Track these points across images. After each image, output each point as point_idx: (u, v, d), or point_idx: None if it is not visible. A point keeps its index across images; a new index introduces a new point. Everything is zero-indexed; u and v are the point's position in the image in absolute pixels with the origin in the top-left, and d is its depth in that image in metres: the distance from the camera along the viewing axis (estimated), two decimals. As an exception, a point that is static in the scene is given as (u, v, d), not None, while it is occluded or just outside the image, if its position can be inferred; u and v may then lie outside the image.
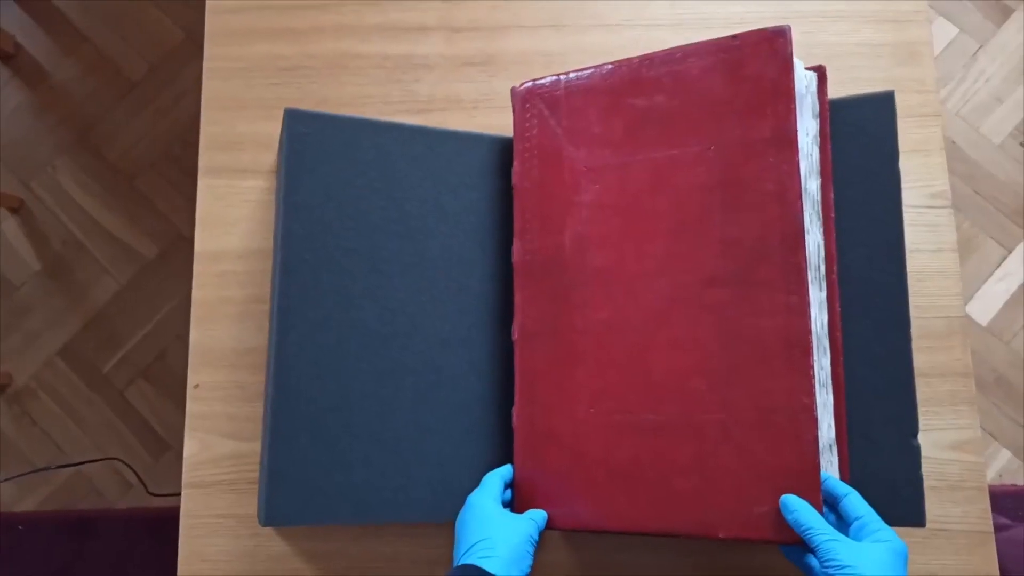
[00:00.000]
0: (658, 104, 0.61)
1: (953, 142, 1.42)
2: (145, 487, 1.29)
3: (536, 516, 0.59)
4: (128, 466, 1.29)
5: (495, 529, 0.55)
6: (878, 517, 0.53)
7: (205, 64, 0.73)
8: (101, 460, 1.33)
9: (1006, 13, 1.47)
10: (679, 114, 0.60)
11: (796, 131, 0.56)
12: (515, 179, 0.65)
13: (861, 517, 0.53)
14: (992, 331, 1.38)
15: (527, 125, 0.65)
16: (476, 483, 0.60)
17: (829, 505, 0.55)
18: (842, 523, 0.54)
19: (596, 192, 0.62)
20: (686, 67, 0.60)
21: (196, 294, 0.69)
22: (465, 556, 0.54)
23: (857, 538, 0.52)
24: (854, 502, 0.54)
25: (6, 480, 1.32)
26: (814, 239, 0.58)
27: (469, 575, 0.52)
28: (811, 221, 0.58)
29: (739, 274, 0.56)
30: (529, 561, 0.55)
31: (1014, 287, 1.40)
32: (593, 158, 0.62)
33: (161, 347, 1.41)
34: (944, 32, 1.46)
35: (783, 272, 0.55)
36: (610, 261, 0.60)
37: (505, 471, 0.61)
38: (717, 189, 0.58)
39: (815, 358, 0.56)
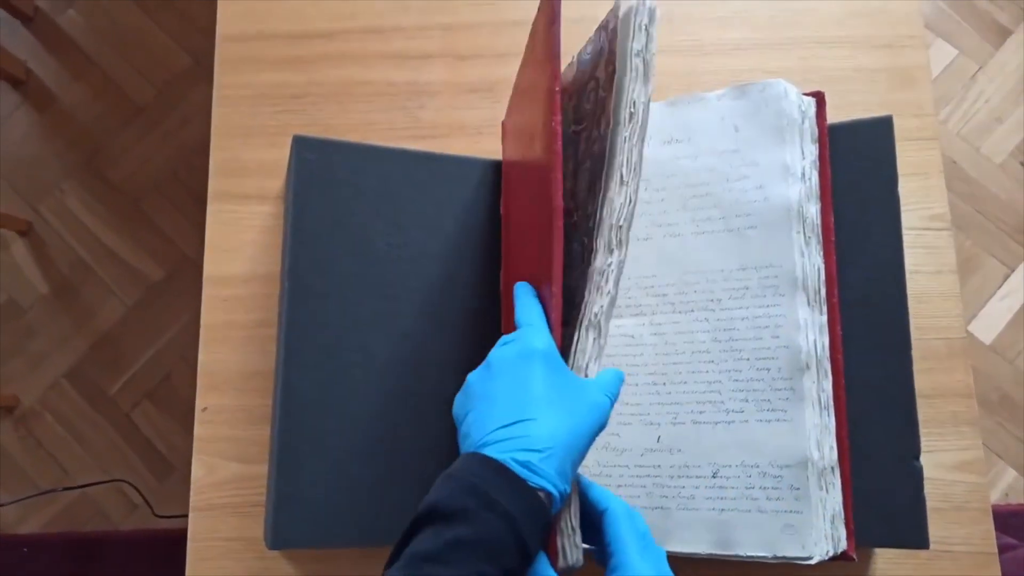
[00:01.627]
0: (528, 95, 0.57)
1: (954, 162, 1.43)
2: (151, 509, 1.30)
3: (609, 386, 0.42)
4: (134, 487, 1.30)
5: (552, 403, 0.38)
6: (632, 546, 0.42)
7: (215, 92, 0.74)
8: (107, 483, 1.33)
9: (1004, 35, 1.48)
10: (536, 100, 0.54)
11: (557, 83, 0.48)
12: (502, 209, 0.66)
13: (608, 545, 0.42)
14: (996, 350, 1.39)
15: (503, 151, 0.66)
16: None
17: (596, 523, 0.44)
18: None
19: (518, 207, 0.61)
20: (533, 48, 0.55)
21: (205, 318, 0.69)
22: (496, 438, 0.37)
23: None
24: (607, 524, 0.43)
25: (12, 503, 1.32)
26: (814, 262, 0.59)
27: (509, 524, 0.35)
28: (810, 244, 0.59)
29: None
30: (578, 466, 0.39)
31: (1017, 305, 1.40)
32: (518, 172, 0.62)
33: (167, 369, 1.42)
34: (943, 54, 1.48)
35: (542, 260, 0.47)
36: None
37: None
38: (545, 175, 0.50)
39: (816, 380, 0.57)
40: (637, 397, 0.61)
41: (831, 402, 0.58)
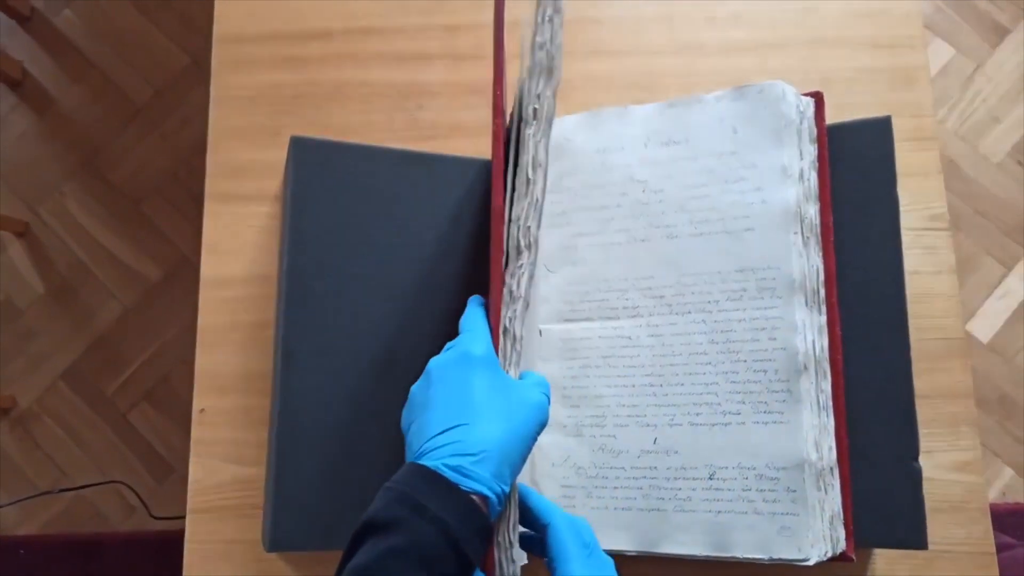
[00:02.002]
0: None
1: (952, 161, 1.43)
2: (148, 510, 1.29)
3: (543, 385, 0.43)
4: (131, 489, 1.30)
5: (487, 406, 0.38)
6: (575, 557, 0.42)
7: (212, 93, 0.74)
8: (104, 484, 1.33)
9: (1002, 34, 1.48)
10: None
11: (500, 86, 0.48)
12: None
13: (553, 560, 0.43)
14: (994, 349, 1.39)
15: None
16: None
17: (542, 536, 0.45)
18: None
19: None
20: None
21: (202, 320, 0.69)
22: (432, 446, 0.37)
23: None
24: (551, 538, 0.43)
25: (9, 504, 1.32)
26: (812, 263, 0.59)
27: (443, 531, 0.34)
28: (808, 245, 0.59)
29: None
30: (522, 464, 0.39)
31: (1015, 304, 1.40)
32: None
33: (164, 371, 1.42)
34: (941, 53, 1.48)
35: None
36: None
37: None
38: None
39: (814, 381, 0.57)
40: (634, 399, 0.61)
41: (830, 403, 0.58)
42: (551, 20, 0.47)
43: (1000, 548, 0.65)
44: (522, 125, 0.46)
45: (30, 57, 1.51)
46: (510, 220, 0.47)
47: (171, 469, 1.38)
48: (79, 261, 1.45)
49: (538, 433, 0.40)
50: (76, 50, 1.51)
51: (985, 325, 1.40)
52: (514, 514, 0.42)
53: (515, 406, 0.40)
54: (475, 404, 0.39)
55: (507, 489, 0.38)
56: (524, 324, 0.45)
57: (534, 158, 0.46)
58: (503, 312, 0.45)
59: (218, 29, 0.76)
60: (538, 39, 0.47)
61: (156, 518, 1.29)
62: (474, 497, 0.36)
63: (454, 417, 0.38)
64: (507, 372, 0.44)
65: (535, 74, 0.46)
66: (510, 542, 0.42)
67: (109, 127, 1.49)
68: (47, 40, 1.52)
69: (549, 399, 0.43)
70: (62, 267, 1.45)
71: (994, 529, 0.65)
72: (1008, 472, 1.34)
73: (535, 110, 0.46)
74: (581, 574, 0.41)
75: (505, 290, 0.46)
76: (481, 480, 0.37)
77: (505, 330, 0.45)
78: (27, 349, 1.43)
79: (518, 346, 0.45)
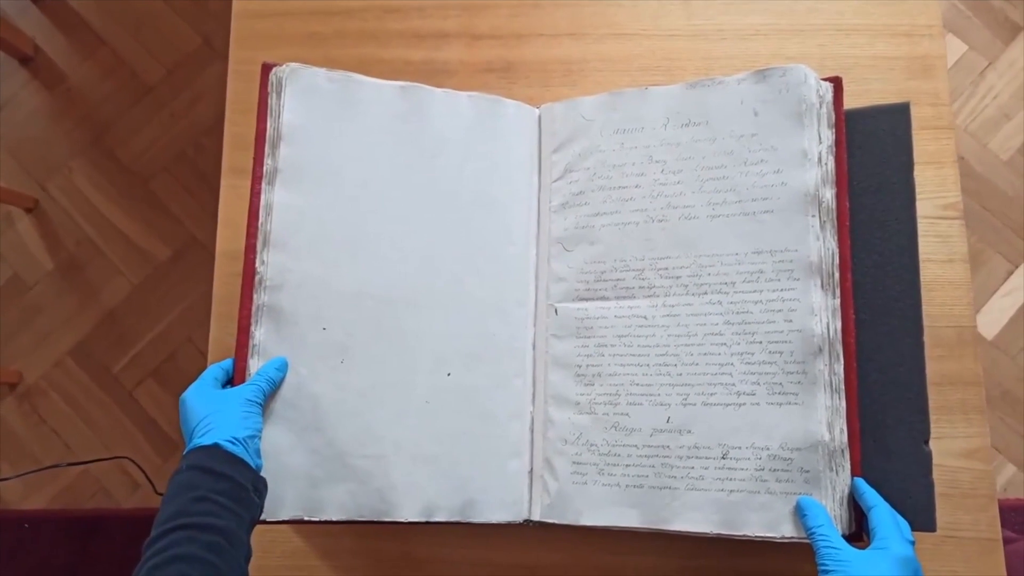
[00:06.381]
0: None
1: (961, 158, 1.43)
2: (153, 487, 1.29)
3: (255, 379, 0.59)
4: (137, 465, 1.30)
5: (208, 407, 0.58)
6: (891, 528, 0.53)
7: (230, 67, 0.74)
8: (110, 459, 1.34)
9: (1015, 31, 1.48)
10: None
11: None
12: None
13: (874, 528, 0.54)
14: (998, 345, 1.39)
15: None
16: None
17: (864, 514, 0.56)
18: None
19: None
20: None
21: (217, 292, 0.70)
22: (189, 446, 0.57)
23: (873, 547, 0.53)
24: (874, 516, 0.54)
25: (14, 477, 1.33)
26: (828, 247, 0.59)
27: (193, 463, 0.54)
28: (825, 229, 0.59)
29: None
30: (254, 421, 0.58)
31: (1020, 302, 1.40)
32: None
33: (171, 348, 1.42)
34: (953, 49, 1.47)
35: None
36: None
37: (224, 364, 0.62)
38: None
39: (828, 363, 0.57)
40: (648, 378, 0.61)
41: (842, 385, 0.58)
42: None
43: (1002, 542, 0.65)
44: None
45: (42, 34, 1.51)
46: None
47: (176, 446, 1.39)
48: (87, 238, 1.45)
49: (246, 401, 0.58)
50: (88, 28, 1.51)
51: (990, 321, 1.40)
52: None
53: (224, 396, 0.59)
54: (202, 412, 0.58)
55: (239, 435, 0.56)
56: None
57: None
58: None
59: (237, 4, 0.76)
60: None
61: (161, 495, 1.29)
62: (209, 445, 0.55)
63: (193, 422, 0.58)
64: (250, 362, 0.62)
65: None
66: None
67: (119, 105, 1.49)
68: (60, 17, 1.52)
69: (258, 380, 0.59)
70: (70, 244, 1.45)
71: (997, 523, 0.65)
72: (1011, 468, 1.35)
73: None
74: (894, 543, 0.52)
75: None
76: (211, 436, 0.56)
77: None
78: (34, 325, 1.43)
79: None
